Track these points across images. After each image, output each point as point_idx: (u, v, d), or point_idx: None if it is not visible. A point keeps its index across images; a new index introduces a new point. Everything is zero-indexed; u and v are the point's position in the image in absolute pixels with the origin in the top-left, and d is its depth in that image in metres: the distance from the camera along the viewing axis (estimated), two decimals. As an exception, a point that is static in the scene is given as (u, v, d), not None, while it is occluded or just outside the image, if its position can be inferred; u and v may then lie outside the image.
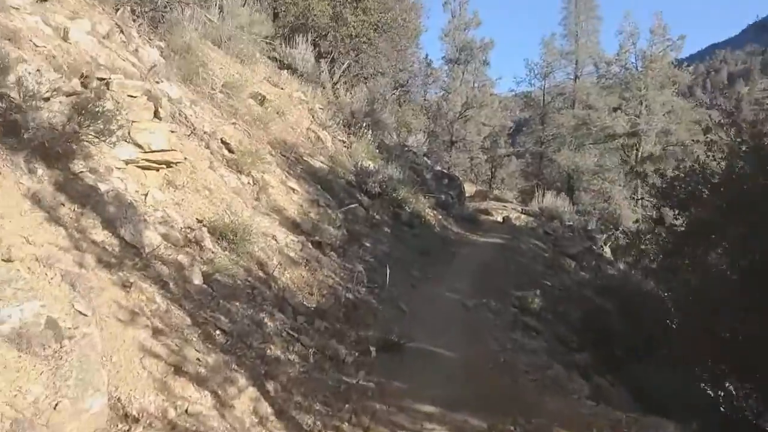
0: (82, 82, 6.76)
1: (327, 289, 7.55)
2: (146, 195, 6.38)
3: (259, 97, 12.89)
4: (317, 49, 19.43)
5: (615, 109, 34.67)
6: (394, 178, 13.51)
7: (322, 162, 12.63)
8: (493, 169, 41.34)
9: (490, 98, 43.43)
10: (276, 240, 7.79)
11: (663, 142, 33.36)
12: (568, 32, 41.58)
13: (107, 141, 5.76)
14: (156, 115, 7.35)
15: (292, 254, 7.79)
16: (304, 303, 6.88)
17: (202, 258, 6.16)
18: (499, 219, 20.71)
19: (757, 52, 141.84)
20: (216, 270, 6.04)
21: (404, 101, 25.72)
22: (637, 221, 32.62)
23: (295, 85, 15.71)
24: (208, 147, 8.86)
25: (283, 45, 17.80)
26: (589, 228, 21.82)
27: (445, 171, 19.87)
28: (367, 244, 10.66)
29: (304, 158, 12.03)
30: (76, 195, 5.31)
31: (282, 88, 14.75)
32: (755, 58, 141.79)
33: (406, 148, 19.56)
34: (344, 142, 14.72)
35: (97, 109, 5.57)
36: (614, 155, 35.07)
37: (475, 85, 44.21)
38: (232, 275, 6.24)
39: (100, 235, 5.12)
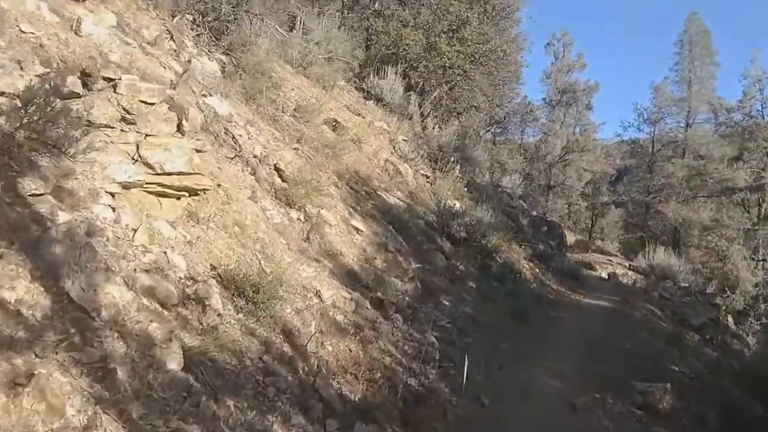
0: (83, 82, 5.13)
1: (382, 370, 5.44)
2: (136, 231, 4.58)
3: (333, 123, 11.18)
4: (407, 80, 17.73)
5: (734, 160, 30.99)
6: (483, 222, 11.34)
7: (399, 198, 10.66)
8: (593, 218, 38.13)
9: (593, 143, 40.46)
10: (320, 297, 5.80)
11: (789, 198, 29.25)
12: (680, 78, 38.36)
13: (67, 154, 4.02)
14: (179, 129, 5.62)
15: (339, 318, 5.76)
16: (344, 394, 4.81)
17: (197, 325, 4.25)
18: (604, 275, 17.98)
19: None
20: (213, 345, 4.10)
21: (500, 140, 23.53)
22: (757, 285, 28.86)
23: (378, 115, 13.98)
24: (254, 173, 7.08)
25: (372, 76, 16.20)
26: (708, 291, 18.62)
27: (543, 217, 17.42)
28: (446, 303, 8.51)
29: (378, 193, 10.12)
30: (7, 227, 3.56)
31: (363, 117, 13.02)
32: None
33: (500, 189, 17.33)
34: (428, 177, 12.74)
35: (49, 109, 3.84)
36: (732, 210, 31.15)
37: (577, 129, 41.50)
38: (239, 352, 4.29)
39: (20, 288, 3.30)
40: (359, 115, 13.08)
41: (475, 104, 18.83)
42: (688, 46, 38.89)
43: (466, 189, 13.75)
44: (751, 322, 25.59)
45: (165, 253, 4.73)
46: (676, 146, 36.66)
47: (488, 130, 20.93)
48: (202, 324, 4.31)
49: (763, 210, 29.82)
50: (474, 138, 19.74)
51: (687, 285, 18.18)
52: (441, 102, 19.19)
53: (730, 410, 7.76)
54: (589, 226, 38.54)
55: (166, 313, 4.13)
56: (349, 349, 5.46)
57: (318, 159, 9.11)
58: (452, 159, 14.58)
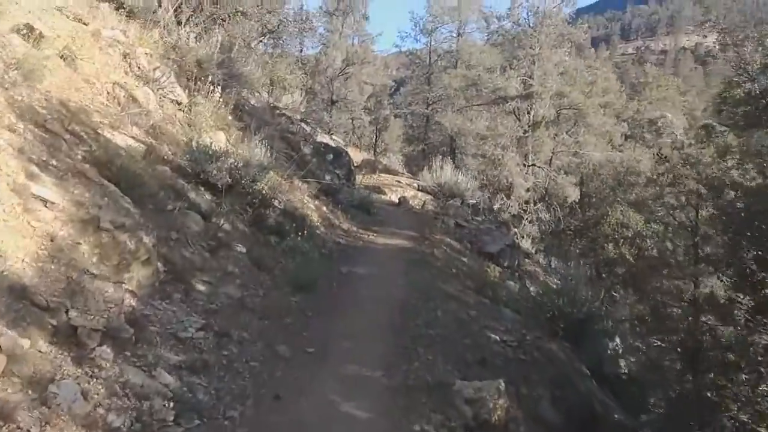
0: None
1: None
2: None
3: (30, 32, 7.64)
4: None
5: (505, 69, 31.23)
6: (254, 159, 8.70)
7: (133, 138, 7.61)
8: (377, 132, 36.97)
9: (372, 55, 38.85)
10: None
11: (557, 105, 30.24)
12: (451, -13, 37.82)
13: None
14: None
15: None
16: None
17: None
18: (395, 199, 16.45)
19: (616, 17, 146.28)
20: None
21: (277, 53, 20.45)
22: (528, 190, 29.96)
23: (111, 21, 10.43)
24: None
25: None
26: (495, 207, 18.09)
27: (328, 144, 15.06)
28: (200, 288, 5.96)
29: (99, 132, 7.00)
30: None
31: (85, 23, 9.42)
32: (615, 23, 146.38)
33: (278, 112, 14.65)
34: (180, 104, 9.67)
35: None
36: (505, 119, 31.65)
37: (355, 40, 39.54)
38: None
39: None
40: (79, 21, 9.45)
41: (242, 9, 15.59)
42: (459, -49, 38.35)
43: (232, 116, 10.91)
44: (524, 226, 26.57)
45: None
46: (451, 57, 36.40)
47: (260, 41, 17.78)
48: None
49: (531, 117, 30.57)
50: (244, 51, 16.58)
51: (474, 202, 17.40)
52: (201, 6, 15.75)
53: (563, 393, 6.32)
54: (374, 141, 37.43)
55: None
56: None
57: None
58: (216, 78, 11.56)
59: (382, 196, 16.49)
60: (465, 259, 10.82)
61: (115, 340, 4.25)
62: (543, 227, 29.56)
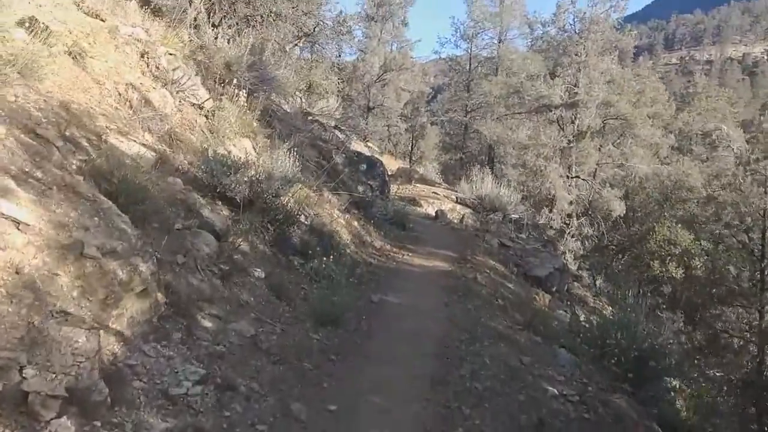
0: None
1: None
2: None
3: (34, 26, 6.88)
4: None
5: (550, 76, 29.93)
6: (279, 172, 7.77)
7: (144, 144, 6.76)
8: (413, 140, 35.96)
9: (411, 62, 37.89)
10: None
11: (603, 114, 28.79)
12: (492, -7, 36.74)
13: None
14: None
15: None
16: None
17: None
18: (431, 212, 15.44)
19: (659, 27, 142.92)
20: None
21: (313, 58, 19.58)
22: (571, 203, 28.57)
23: (134, 18, 9.71)
24: None
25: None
26: (539, 222, 16.91)
27: (362, 153, 14.04)
28: (206, 325, 5.03)
29: (104, 138, 6.17)
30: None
31: (102, 19, 8.66)
32: (658, 33, 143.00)
33: (311, 118, 13.78)
34: (202, 108, 8.83)
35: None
36: (549, 128, 30.32)
37: (394, 46, 38.70)
38: None
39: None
40: (96, 16, 8.70)
41: (276, 10, 14.79)
42: (500, -43, 37.32)
43: (260, 122, 10.05)
44: (567, 240, 25.22)
45: None
46: (492, 63, 35.27)
47: (296, 44, 16.98)
48: None
49: (575, 127, 29.19)
50: (278, 54, 15.81)
51: (517, 216, 16.27)
52: (234, 8, 15.03)
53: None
54: (410, 149, 36.44)
55: None
56: None
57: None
58: (244, 81, 10.76)
59: (418, 209, 15.49)
60: (511, 285, 9.71)
61: (82, 406, 3.33)
62: (586, 243, 28.24)
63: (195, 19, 12.82)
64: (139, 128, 7.17)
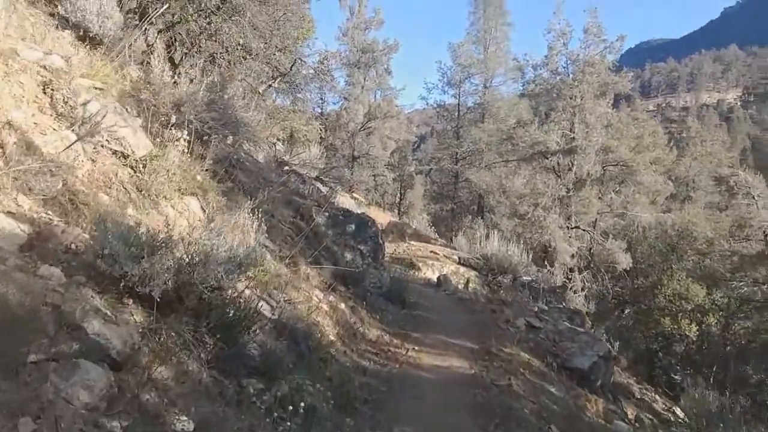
0: None
1: None
2: None
3: None
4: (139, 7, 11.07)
5: (544, 122, 27.91)
6: (224, 250, 5.07)
7: (8, 213, 4.19)
8: (402, 191, 33.62)
9: (396, 109, 35.94)
10: None
11: (602, 160, 26.66)
12: (477, 39, 35.30)
13: None
14: None
15: None
16: None
17: None
18: (433, 277, 12.90)
19: (636, 75, 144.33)
20: None
21: (293, 102, 17.09)
22: (573, 256, 26.12)
23: (52, 45, 7.25)
24: None
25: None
26: (555, 286, 14.40)
27: (350, 210, 11.27)
28: None
29: None
30: None
31: (-8, 40, 6.18)
32: (634, 81, 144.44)
33: (287, 168, 11.27)
34: (127, 157, 6.25)
35: None
36: (546, 176, 28.13)
37: (378, 93, 36.85)
38: None
39: None
40: (-11, 38, 6.21)
41: (245, 44, 12.45)
42: (482, 5, 36.07)
43: (212, 175, 7.51)
44: (570, 297, 22.73)
45: None
46: (482, 109, 33.40)
47: (270, 85, 14.60)
48: None
49: (574, 174, 27.02)
50: (250, 96, 13.41)
51: (530, 279, 13.75)
52: (197, 42, 12.77)
53: None
54: (398, 200, 34.08)
55: None
56: None
57: None
58: (200, 124, 8.28)
59: (417, 273, 12.94)
60: (553, 389, 7.07)
61: None
62: (590, 300, 25.74)
63: (149, 53, 10.47)
64: (10, 187, 4.60)
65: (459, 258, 15.08)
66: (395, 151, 35.30)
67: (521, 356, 7.66)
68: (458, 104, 32.79)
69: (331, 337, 6.44)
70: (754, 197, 17.56)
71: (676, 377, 23.52)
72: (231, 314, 4.76)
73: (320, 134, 24.41)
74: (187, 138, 6.73)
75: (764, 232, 17.48)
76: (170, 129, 6.98)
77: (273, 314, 5.81)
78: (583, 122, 26.40)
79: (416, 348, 7.26)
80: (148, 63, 9.99)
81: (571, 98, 26.61)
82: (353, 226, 9.29)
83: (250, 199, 7.77)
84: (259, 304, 5.69)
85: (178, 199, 6.63)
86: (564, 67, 27.65)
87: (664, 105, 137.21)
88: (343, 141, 33.74)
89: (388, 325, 7.91)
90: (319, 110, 34.16)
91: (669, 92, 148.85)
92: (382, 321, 7.90)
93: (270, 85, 14.65)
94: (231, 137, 9.86)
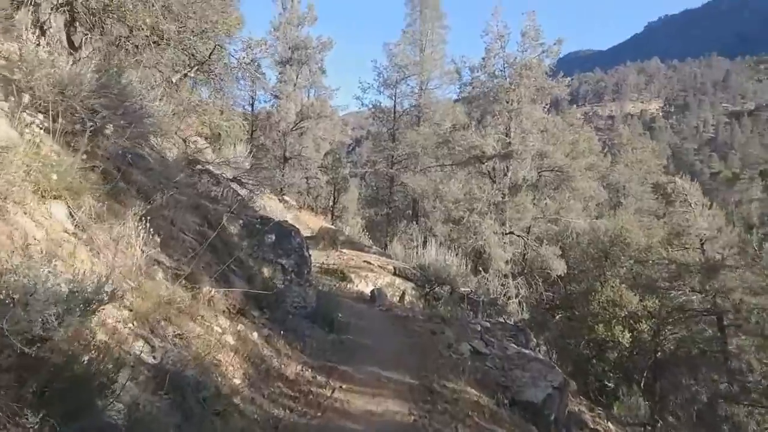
0: None
1: None
2: None
3: None
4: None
5: (481, 126, 27.12)
6: (58, 282, 3.57)
7: None
8: (335, 194, 32.22)
9: (330, 110, 34.51)
10: None
11: (538, 166, 26.07)
12: (413, 41, 34.34)
13: None
14: None
15: None
16: None
17: None
18: (366, 290, 11.64)
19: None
20: None
21: (213, 94, 15.40)
22: (507, 262, 25.38)
23: None
24: None
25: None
26: (497, 300, 13.40)
27: (269, 218, 9.55)
28: None
29: None
30: None
31: None
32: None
33: (199, 167, 9.74)
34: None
35: None
36: (481, 180, 27.34)
37: (312, 92, 35.35)
38: None
39: None
40: None
41: (153, 25, 10.84)
42: (419, 6, 35.19)
43: (95, 172, 5.97)
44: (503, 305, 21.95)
45: None
46: (418, 111, 32.44)
47: (186, 74, 12.97)
48: None
49: (509, 179, 26.33)
50: (162, 87, 11.81)
51: (469, 290, 12.69)
52: (101, 21, 11.14)
53: None
54: (331, 203, 32.65)
55: None
56: None
57: None
58: (87, 112, 6.73)
59: (349, 286, 11.66)
60: (506, 434, 5.95)
61: None
62: (524, 306, 25.07)
63: (40, 30, 8.79)
64: None
65: (394, 268, 13.87)
66: (329, 153, 33.90)
67: (468, 393, 6.47)
68: (394, 106, 31.66)
69: (236, 380, 5.05)
70: (691, 204, 17.16)
71: (609, 384, 23.16)
72: (77, 370, 3.32)
73: (245, 131, 22.76)
74: (68, 128, 5.22)
75: (701, 240, 17.12)
76: (25, 113, 5.45)
77: (154, 357, 4.39)
78: (520, 127, 25.78)
79: (344, 386, 5.95)
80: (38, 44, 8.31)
81: (507, 102, 25.95)
82: (273, 237, 7.89)
83: (146, 204, 6.35)
84: (133, 346, 4.27)
85: (37, 204, 5.10)
86: (501, 71, 26.95)
87: (591, 113, 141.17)
88: (274, 141, 32.09)
89: (312, 355, 6.57)
90: (250, 108, 32.39)
91: (596, 101, 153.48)
92: (304, 351, 6.55)
93: (185, 74, 13.03)
94: (130, 130, 8.31)
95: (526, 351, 8.43)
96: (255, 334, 6.07)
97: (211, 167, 9.75)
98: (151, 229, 5.78)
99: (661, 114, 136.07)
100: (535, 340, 10.09)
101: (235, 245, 7.51)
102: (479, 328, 9.14)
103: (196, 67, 13.04)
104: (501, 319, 11.27)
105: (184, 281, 5.93)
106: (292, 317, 7.27)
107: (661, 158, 58.52)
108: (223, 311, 6.08)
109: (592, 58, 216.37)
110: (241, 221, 7.77)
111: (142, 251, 5.65)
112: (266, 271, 7.53)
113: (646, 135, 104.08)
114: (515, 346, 8.47)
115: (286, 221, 8.51)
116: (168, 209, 7.36)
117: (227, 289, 6.28)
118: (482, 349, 7.69)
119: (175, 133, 9.97)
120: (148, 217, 6.16)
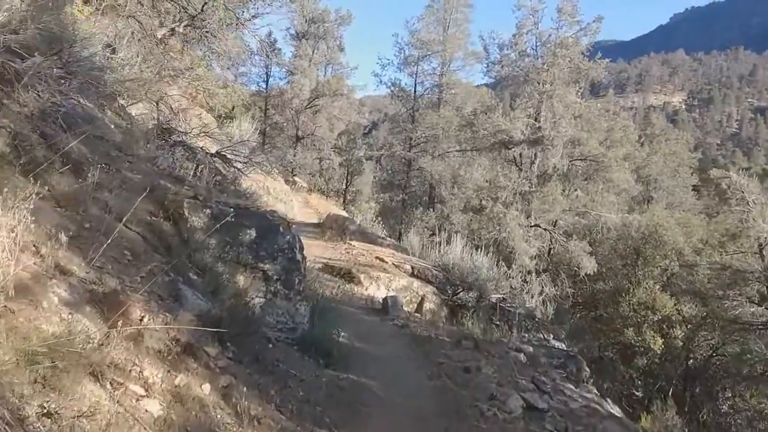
0: None
1: None
2: None
3: None
4: None
5: (510, 109, 24.79)
6: None
7: None
8: (348, 177, 29.99)
9: (347, 87, 32.21)
10: None
11: (570, 154, 23.66)
12: (436, 19, 31.78)
13: None
14: None
15: None
16: None
17: None
18: (377, 295, 9.51)
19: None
20: None
21: (206, 56, 13.11)
22: (533, 257, 23.07)
23: None
24: None
25: None
26: (533, 310, 11.20)
27: (248, 207, 7.24)
28: None
29: None
30: None
31: None
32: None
33: (174, 138, 7.55)
34: None
35: None
36: (507, 168, 24.99)
37: (328, 69, 33.08)
38: None
39: None
40: None
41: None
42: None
43: (3, 134, 3.80)
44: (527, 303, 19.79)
45: None
46: (440, 91, 30.03)
47: (173, 29, 10.76)
48: None
49: (537, 167, 24.00)
50: (133, 37, 9.64)
51: (501, 297, 10.47)
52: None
53: None
54: (344, 187, 30.42)
55: None
56: None
57: None
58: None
59: (356, 289, 9.55)
60: None
61: None
62: (548, 305, 22.84)
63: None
64: None
65: (412, 267, 11.67)
66: (343, 133, 31.65)
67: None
68: (414, 85, 29.28)
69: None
70: (749, 203, 14.78)
71: (637, 393, 21.10)
72: None
73: (244, 102, 20.54)
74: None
75: (760, 244, 14.75)
76: None
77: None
78: (551, 111, 23.39)
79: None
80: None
81: (539, 83, 23.56)
82: (253, 232, 5.68)
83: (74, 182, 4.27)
84: None
85: None
86: (533, 49, 24.58)
87: (613, 104, 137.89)
88: (287, 120, 29.95)
89: (295, 413, 4.40)
90: (264, 85, 30.26)
91: (618, 92, 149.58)
92: (282, 406, 4.38)
93: (173, 30, 10.83)
94: (70, 82, 6.13)
95: (595, 403, 6.19)
96: (205, 388, 3.91)
97: (186, 138, 7.53)
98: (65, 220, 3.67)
99: (684, 107, 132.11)
100: (588, 370, 7.88)
101: (198, 244, 5.33)
102: (523, 359, 6.95)
103: (186, 22, 10.87)
104: (542, 336, 9.07)
105: (99, 303, 3.79)
106: (273, 347, 5.11)
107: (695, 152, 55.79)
108: (158, 351, 3.90)
109: (615, 48, 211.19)
110: (209, 210, 5.60)
111: (24, 252, 3.48)
112: (240, 281, 5.39)
113: (669, 128, 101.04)
114: (576, 392, 6.26)
115: (274, 211, 6.28)
116: (105, 191, 5.17)
117: (168, 315, 4.09)
118: (538, 403, 5.45)
119: (159, 99, 7.76)
120: (63, 203, 4.05)
